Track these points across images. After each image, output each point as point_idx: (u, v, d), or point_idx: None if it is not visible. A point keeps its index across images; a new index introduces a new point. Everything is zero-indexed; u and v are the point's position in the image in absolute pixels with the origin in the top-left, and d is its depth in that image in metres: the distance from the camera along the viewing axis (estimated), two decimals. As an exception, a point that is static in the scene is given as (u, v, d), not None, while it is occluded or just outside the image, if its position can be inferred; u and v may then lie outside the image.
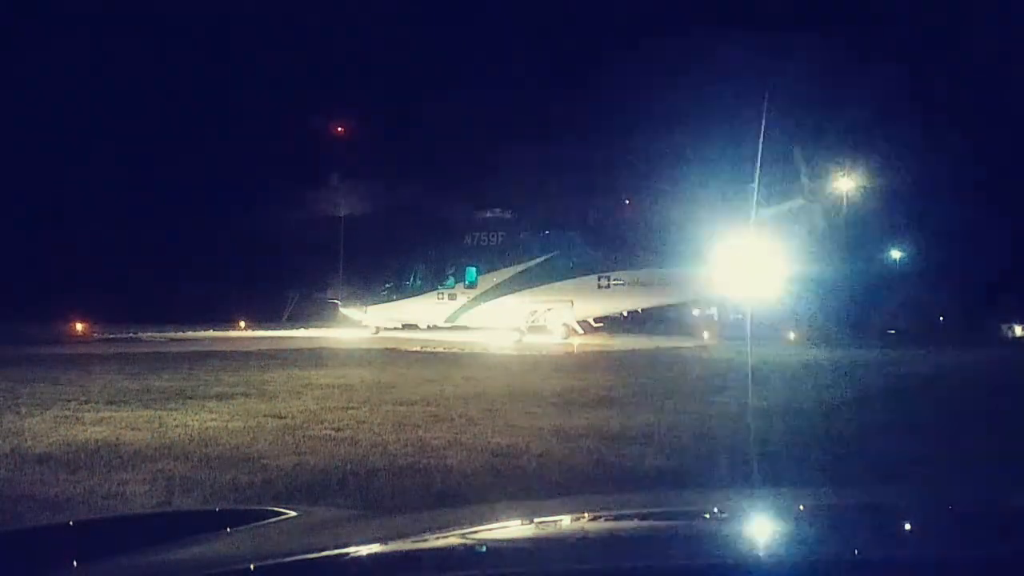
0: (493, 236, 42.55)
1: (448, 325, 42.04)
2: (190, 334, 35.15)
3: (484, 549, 2.57)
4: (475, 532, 2.69)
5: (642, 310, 44.15)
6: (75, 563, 2.46)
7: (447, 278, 42.39)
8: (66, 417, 11.56)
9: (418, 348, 29.00)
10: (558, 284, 40.60)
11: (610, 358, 26.56)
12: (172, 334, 33.93)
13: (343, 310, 44.84)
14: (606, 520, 2.96)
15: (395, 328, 41.62)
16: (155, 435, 10.32)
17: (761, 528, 2.84)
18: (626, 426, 11.70)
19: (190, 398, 13.84)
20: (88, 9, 63.90)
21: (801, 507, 3.22)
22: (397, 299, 42.76)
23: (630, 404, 14.23)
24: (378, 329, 41.73)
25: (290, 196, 49.16)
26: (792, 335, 44.46)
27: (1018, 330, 60.34)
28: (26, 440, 9.82)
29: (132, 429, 10.72)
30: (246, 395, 14.37)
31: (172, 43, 59.39)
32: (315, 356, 24.16)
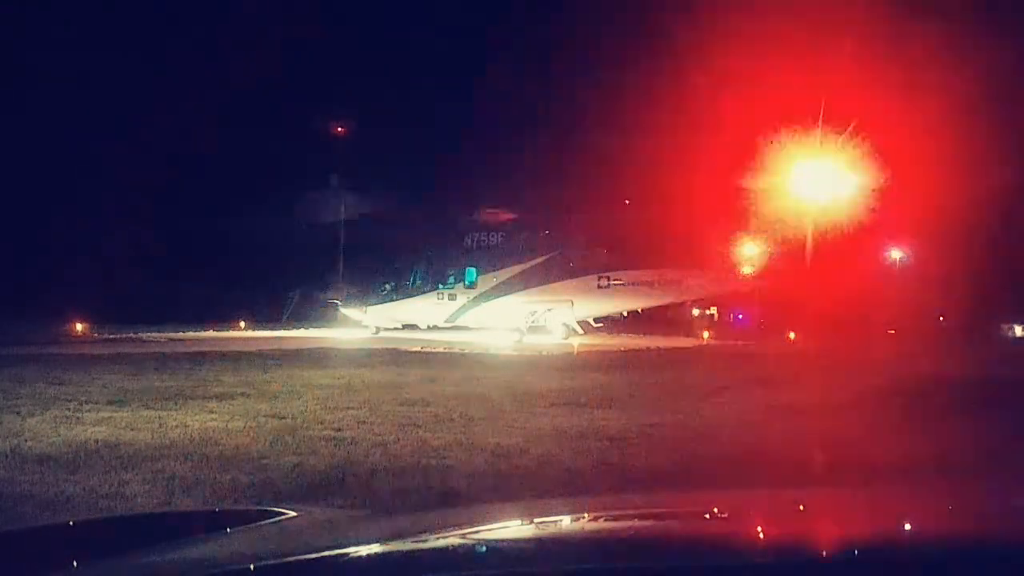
0: (493, 236, 42.52)
1: (448, 325, 42.00)
2: (190, 334, 35.09)
3: (484, 549, 2.57)
4: (475, 532, 2.69)
5: (642, 310, 44.14)
6: (75, 563, 2.46)
7: (447, 278, 42.34)
8: (66, 417, 11.55)
9: (418, 348, 28.96)
10: (558, 284, 40.55)
11: (610, 358, 26.54)
12: (172, 334, 33.87)
13: (343, 310, 44.79)
14: (606, 520, 2.96)
15: (395, 328, 41.59)
16: (155, 435, 10.32)
17: (761, 528, 2.84)
18: (627, 426, 11.70)
19: (190, 398, 13.83)
20: (90, 9, 63.94)
21: (801, 507, 3.22)
22: (397, 299, 42.72)
23: (630, 404, 14.24)
24: (378, 329, 41.69)
25: (290, 196, 49.27)
26: (792, 334, 44.49)
27: (1018, 330, 60.25)
28: (26, 440, 9.82)
29: (132, 429, 10.72)
30: (246, 395, 14.36)
31: (173, 43, 59.43)
32: (315, 356, 24.13)
